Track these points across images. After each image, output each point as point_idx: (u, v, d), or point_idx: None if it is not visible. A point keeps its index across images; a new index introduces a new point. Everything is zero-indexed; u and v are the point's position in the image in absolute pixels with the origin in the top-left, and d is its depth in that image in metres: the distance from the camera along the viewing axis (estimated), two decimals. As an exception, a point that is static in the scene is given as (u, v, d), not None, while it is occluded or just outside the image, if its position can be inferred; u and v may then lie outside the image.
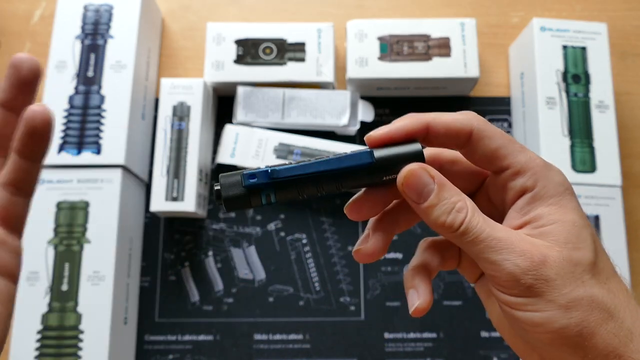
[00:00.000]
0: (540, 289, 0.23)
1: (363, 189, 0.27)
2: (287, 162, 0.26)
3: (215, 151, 0.59)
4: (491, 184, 0.28)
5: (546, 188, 0.25)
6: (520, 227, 0.25)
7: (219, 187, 0.25)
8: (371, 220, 0.29)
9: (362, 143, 0.59)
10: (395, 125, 0.26)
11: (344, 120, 0.57)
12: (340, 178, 0.25)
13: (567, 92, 0.55)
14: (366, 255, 0.28)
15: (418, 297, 0.27)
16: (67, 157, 0.52)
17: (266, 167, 0.25)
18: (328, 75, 0.57)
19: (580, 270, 0.24)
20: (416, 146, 0.26)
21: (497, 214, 0.27)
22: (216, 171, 0.59)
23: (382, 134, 0.26)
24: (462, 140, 0.26)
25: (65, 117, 0.54)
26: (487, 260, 0.24)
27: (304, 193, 0.26)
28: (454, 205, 0.25)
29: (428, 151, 0.28)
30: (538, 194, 0.25)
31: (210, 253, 0.57)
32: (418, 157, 0.26)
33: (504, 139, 0.26)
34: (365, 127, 0.59)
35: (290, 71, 0.57)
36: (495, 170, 0.26)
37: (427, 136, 0.26)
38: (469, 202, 0.25)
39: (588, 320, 0.23)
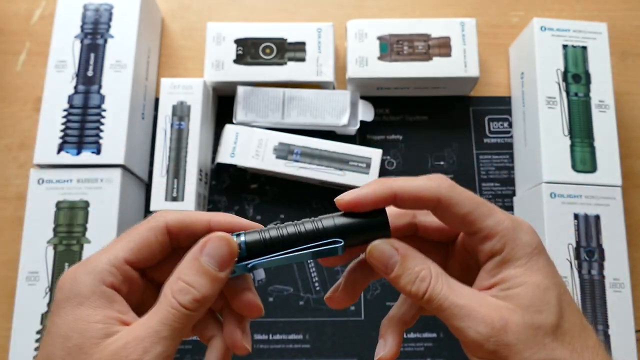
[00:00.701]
0: (503, 353, 0.24)
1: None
2: (262, 235, 0.28)
3: (215, 151, 0.59)
4: (465, 242, 0.29)
5: (514, 251, 0.26)
6: (489, 288, 0.26)
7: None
8: (347, 269, 0.31)
9: (362, 143, 0.59)
10: (364, 192, 0.27)
11: (344, 120, 0.57)
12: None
13: (568, 91, 0.55)
14: (338, 303, 0.30)
15: (384, 348, 0.29)
16: (67, 157, 0.52)
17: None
18: (328, 75, 0.57)
19: (541, 334, 0.24)
20: (383, 219, 0.27)
21: (474, 263, 0.28)
22: (216, 171, 0.59)
23: (351, 199, 0.27)
24: (430, 206, 0.27)
25: (65, 116, 0.53)
26: (452, 326, 0.25)
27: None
28: (418, 275, 0.26)
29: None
30: (506, 257, 0.26)
31: (210, 253, 0.57)
32: (384, 228, 0.27)
33: (472, 203, 0.26)
34: (365, 126, 0.59)
35: (290, 71, 0.57)
36: (466, 232, 0.27)
37: (395, 202, 0.27)
38: (433, 269, 0.26)
39: None
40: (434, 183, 0.27)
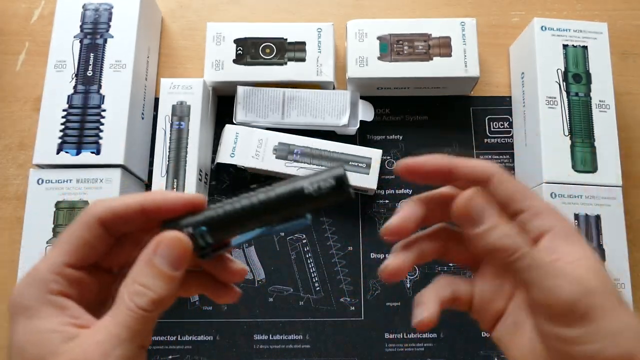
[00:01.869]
0: (593, 316, 0.24)
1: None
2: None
3: (215, 151, 0.59)
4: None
5: (565, 228, 0.27)
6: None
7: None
8: (399, 244, 0.30)
9: (362, 143, 0.59)
10: (423, 158, 0.28)
11: (344, 120, 0.57)
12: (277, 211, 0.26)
13: (568, 91, 0.55)
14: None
15: (424, 311, 0.29)
16: (67, 157, 0.52)
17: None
18: (328, 75, 0.57)
19: (616, 300, 0.25)
20: (339, 170, 0.25)
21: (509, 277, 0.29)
22: (216, 171, 0.59)
23: (410, 163, 0.28)
24: (483, 181, 0.28)
25: (65, 116, 0.53)
26: (542, 287, 0.25)
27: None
28: (512, 229, 0.26)
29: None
30: (560, 234, 0.26)
31: (210, 253, 0.57)
32: (339, 181, 0.25)
33: (520, 184, 0.28)
34: (365, 126, 0.59)
35: (290, 71, 0.57)
36: (511, 213, 0.28)
37: (450, 174, 0.28)
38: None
39: (633, 348, 0.24)
40: (487, 164, 0.28)
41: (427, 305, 0.29)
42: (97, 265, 0.28)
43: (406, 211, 0.29)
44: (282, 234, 0.57)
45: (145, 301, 0.24)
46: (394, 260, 0.29)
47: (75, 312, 0.25)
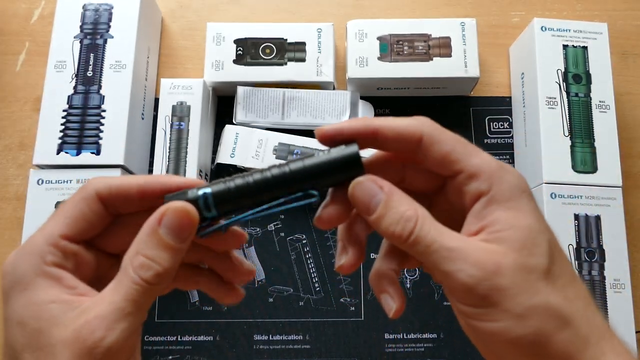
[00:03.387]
0: (495, 298, 0.23)
1: (328, 199, 0.27)
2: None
3: (215, 151, 0.59)
4: (449, 188, 0.27)
5: (502, 191, 0.24)
6: (477, 232, 0.25)
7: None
8: (340, 230, 0.29)
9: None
10: (343, 124, 0.26)
11: (344, 120, 0.57)
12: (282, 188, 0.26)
13: (568, 92, 0.55)
14: (349, 267, 0.28)
15: (394, 301, 0.28)
16: (67, 158, 0.52)
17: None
18: (328, 75, 0.57)
19: (534, 278, 0.23)
20: (352, 147, 0.25)
21: (458, 217, 0.27)
22: (216, 171, 0.59)
23: (329, 130, 0.26)
24: (412, 145, 0.26)
25: (65, 117, 0.53)
26: (440, 271, 0.24)
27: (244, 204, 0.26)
28: (403, 214, 0.24)
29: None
30: (494, 198, 0.24)
31: (210, 253, 0.57)
32: (356, 164, 0.25)
33: (456, 142, 0.25)
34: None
35: (290, 71, 0.57)
36: (449, 175, 0.26)
37: (376, 141, 0.26)
38: (419, 210, 0.25)
39: (544, 328, 0.23)
40: (417, 121, 0.26)
41: (390, 294, 0.28)
42: (94, 244, 0.27)
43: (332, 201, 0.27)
44: (282, 234, 0.57)
45: (151, 274, 0.24)
46: (349, 256, 0.28)
47: (71, 282, 0.24)
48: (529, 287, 0.23)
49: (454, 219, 0.26)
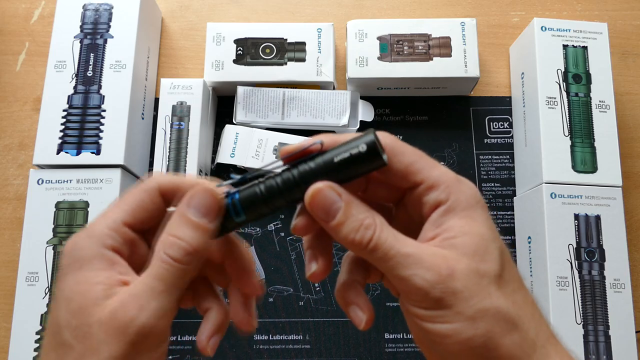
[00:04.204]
0: (449, 301, 0.24)
1: (298, 209, 0.28)
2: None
3: (215, 151, 0.59)
4: (408, 199, 0.28)
5: (458, 200, 0.25)
6: (433, 238, 0.26)
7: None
8: (308, 240, 0.29)
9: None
10: (297, 144, 0.26)
11: (344, 120, 0.57)
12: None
13: (568, 92, 0.55)
14: (320, 274, 0.28)
15: (363, 312, 0.28)
16: (67, 157, 0.52)
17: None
18: (328, 75, 0.57)
19: (486, 282, 0.24)
20: (369, 136, 0.25)
21: (416, 228, 0.27)
22: (216, 171, 0.59)
23: (285, 149, 0.26)
24: None
25: (65, 117, 0.53)
26: (397, 276, 0.24)
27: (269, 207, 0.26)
28: (362, 222, 0.25)
29: None
30: (451, 207, 0.25)
31: (210, 253, 0.57)
32: (370, 146, 0.25)
33: (416, 155, 0.26)
34: (365, 126, 0.59)
35: (290, 71, 0.57)
36: (410, 186, 0.27)
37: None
38: (377, 218, 0.25)
39: (493, 331, 0.23)
40: (379, 134, 0.26)
41: (359, 305, 0.28)
42: (147, 238, 0.28)
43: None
44: (282, 234, 0.57)
45: (178, 251, 0.25)
46: (319, 266, 0.29)
47: (123, 268, 0.26)
48: (481, 291, 0.24)
49: (411, 230, 0.27)
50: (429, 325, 0.24)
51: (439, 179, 0.26)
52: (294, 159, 0.26)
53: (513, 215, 0.58)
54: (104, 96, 0.54)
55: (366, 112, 0.58)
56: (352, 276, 0.29)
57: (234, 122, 0.57)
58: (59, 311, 0.24)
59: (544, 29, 0.56)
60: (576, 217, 0.51)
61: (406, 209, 0.29)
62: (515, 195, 0.59)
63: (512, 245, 0.57)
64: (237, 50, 0.58)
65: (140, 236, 0.27)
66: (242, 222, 0.27)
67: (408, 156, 0.26)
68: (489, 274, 0.24)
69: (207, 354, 0.28)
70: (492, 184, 0.59)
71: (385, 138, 0.26)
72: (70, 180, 0.52)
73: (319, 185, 0.25)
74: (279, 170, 0.26)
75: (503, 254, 0.25)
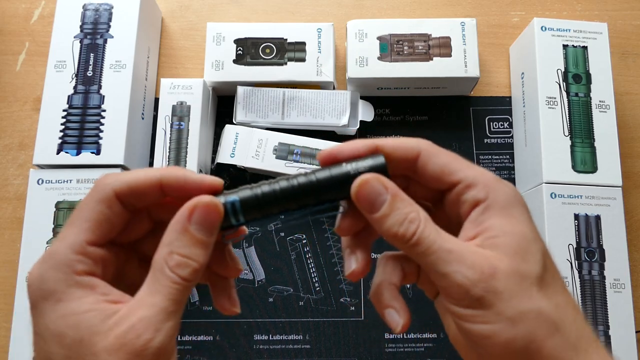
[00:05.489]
0: (490, 300, 0.23)
1: (347, 208, 0.28)
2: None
3: (215, 151, 0.59)
4: (447, 200, 0.28)
5: (497, 198, 0.25)
6: (473, 237, 0.25)
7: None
8: (345, 239, 0.29)
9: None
10: (344, 145, 0.26)
11: (344, 120, 0.57)
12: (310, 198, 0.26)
13: (568, 91, 0.55)
14: (360, 273, 0.28)
15: (400, 316, 0.28)
16: (67, 157, 0.52)
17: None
18: (328, 75, 0.57)
19: (528, 283, 0.24)
20: (380, 158, 0.26)
21: (454, 230, 0.27)
22: (216, 171, 0.59)
23: (330, 151, 0.26)
24: (410, 161, 0.27)
25: (65, 117, 0.53)
26: (438, 272, 0.24)
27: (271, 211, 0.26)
28: (407, 216, 0.25)
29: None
30: (490, 205, 0.25)
31: (210, 253, 0.57)
32: (381, 171, 0.26)
33: (452, 156, 0.27)
34: (365, 126, 0.59)
35: (290, 71, 0.57)
36: (447, 187, 0.27)
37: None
38: (422, 213, 0.25)
39: (535, 333, 0.23)
40: (414, 139, 0.27)
41: (396, 309, 0.28)
42: (112, 241, 0.27)
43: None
44: (282, 234, 0.57)
45: (189, 272, 0.24)
46: (359, 263, 0.28)
47: (104, 289, 0.24)
48: (522, 292, 0.24)
49: (450, 232, 0.27)
50: (468, 325, 0.24)
51: (477, 178, 0.26)
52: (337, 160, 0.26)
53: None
54: (104, 96, 0.54)
55: (366, 112, 0.58)
56: (388, 277, 0.29)
57: (234, 122, 0.57)
58: (49, 348, 0.23)
59: (544, 29, 0.56)
60: (576, 217, 0.51)
61: (445, 211, 0.28)
62: (515, 195, 0.59)
63: (512, 245, 0.57)
64: (237, 50, 0.58)
65: (105, 249, 0.26)
66: (239, 224, 0.26)
67: (443, 157, 0.26)
68: (530, 275, 0.24)
69: (235, 312, 0.29)
70: (492, 184, 0.59)
71: (421, 141, 0.27)
72: (70, 180, 0.52)
73: (366, 177, 0.25)
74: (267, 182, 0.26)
75: (545, 255, 0.25)
